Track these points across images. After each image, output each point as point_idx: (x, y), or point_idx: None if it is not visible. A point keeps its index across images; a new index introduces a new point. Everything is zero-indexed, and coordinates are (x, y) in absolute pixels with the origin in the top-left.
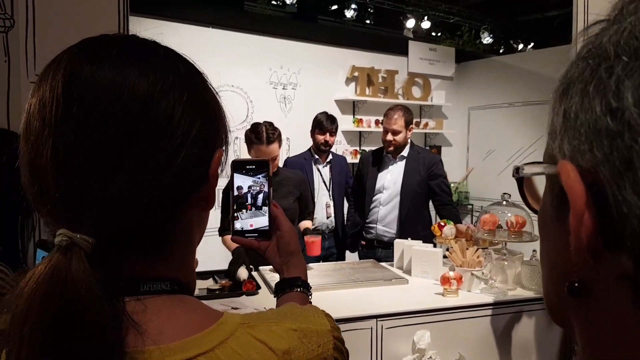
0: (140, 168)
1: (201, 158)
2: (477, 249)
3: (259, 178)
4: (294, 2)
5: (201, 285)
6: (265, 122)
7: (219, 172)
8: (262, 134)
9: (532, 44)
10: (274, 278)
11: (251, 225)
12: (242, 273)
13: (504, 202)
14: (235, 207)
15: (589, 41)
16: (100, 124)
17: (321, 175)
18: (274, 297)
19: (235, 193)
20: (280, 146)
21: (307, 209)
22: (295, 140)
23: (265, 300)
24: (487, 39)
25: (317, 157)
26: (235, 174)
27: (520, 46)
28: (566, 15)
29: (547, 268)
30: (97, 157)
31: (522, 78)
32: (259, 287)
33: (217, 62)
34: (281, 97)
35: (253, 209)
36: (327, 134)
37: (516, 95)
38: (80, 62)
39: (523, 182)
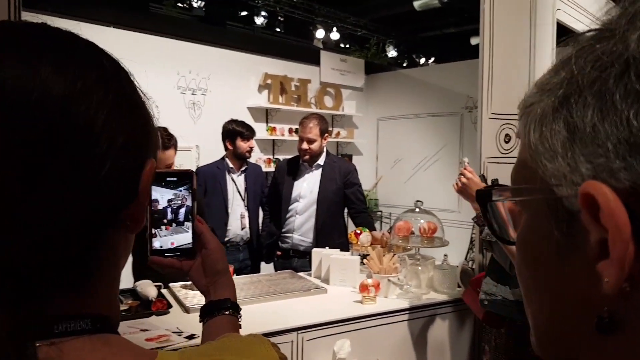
0: (55, 185)
1: (130, 170)
2: (394, 255)
3: (181, 191)
4: (202, 5)
5: None
6: (159, 127)
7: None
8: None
9: (432, 58)
10: (187, 296)
11: (172, 244)
12: (151, 291)
13: (417, 209)
14: (153, 224)
15: (591, 51)
16: (3, 131)
17: (235, 184)
18: (200, 321)
19: (153, 208)
20: (175, 153)
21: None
22: (206, 147)
23: (177, 320)
24: (392, 53)
25: (231, 166)
26: (153, 186)
27: (422, 60)
28: (463, 33)
29: (548, 300)
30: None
31: (426, 91)
32: (170, 306)
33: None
34: (190, 102)
35: (174, 225)
36: (251, 140)
37: (421, 107)
38: None
39: (488, 208)
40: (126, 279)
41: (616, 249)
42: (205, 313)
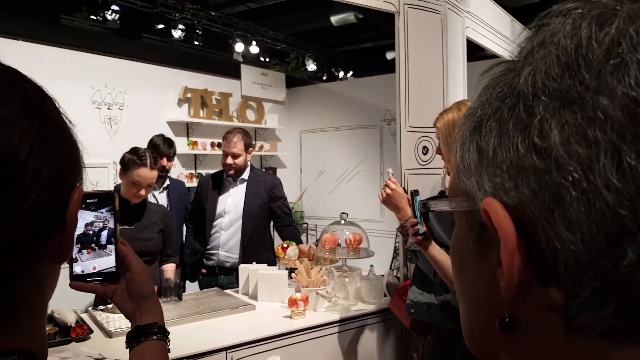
0: None
1: (56, 199)
2: (321, 268)
3: (102, 212)
4: (116, 18)
5: None
6: (146, 148)
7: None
8: (145, 157)
9: (351, 72)
10: (109, 320)
11: (94, 268)
12: (69, 317)
13: (342, 221)
14: (73, 247)
15: (498, 81)
16: None
17: (157, 201)
18: (127, 347)
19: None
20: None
21: (170, 244)
22: None
23: (99, 345)
24: (311, 66)
25: None
26: None
27: (341, 74)
28: (378, 47)
29: (468, 303)
30: None
31: (346, 104)
32: (91, 331)
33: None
34: (106, 117)
35: (96, 248)
36: (165, 159)
37: (342, 120)
38: None
39: (428, 215)
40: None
41: (504, 258)
42: (132, 339)
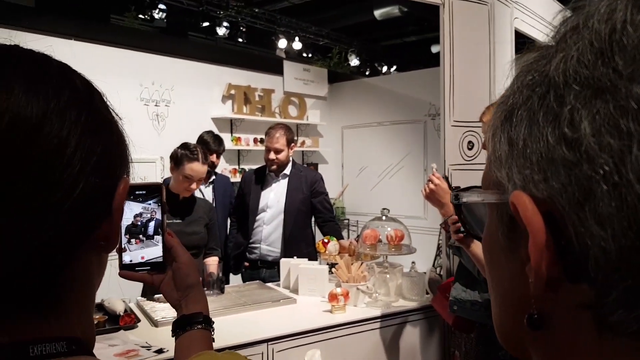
0: (27, 204)
1: (103, 189)
2: (362, 263)
3: (150, 204)
4: (163, 17)
5: None
6: (194, 144)
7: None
8: (197, 152)
9: (394, 66)
10: (155, 309)
11: (142, 258)
12: (118, 306)
13: (384, 217)
14: (122, 238)
15: (530, 68)
16: None
17: (203, 195)
18: (172, 335)
19: (123, 222)
20: (208, 165)
21: (213, 238)
22: None
23: (146, 333)
24: (354, 61)
25: None
26: None
27: (384, 68)
28: (423, 41)
29: (498, 297)
30: None
31: (389, 99)
32: (138, 320)
33: None
34: (154, 114)
35: (144, 239)
36: (214, 155)
37: (384, 115)
38: None
39: (462, 208)
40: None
41: (532, 253)
42: (178, 327)
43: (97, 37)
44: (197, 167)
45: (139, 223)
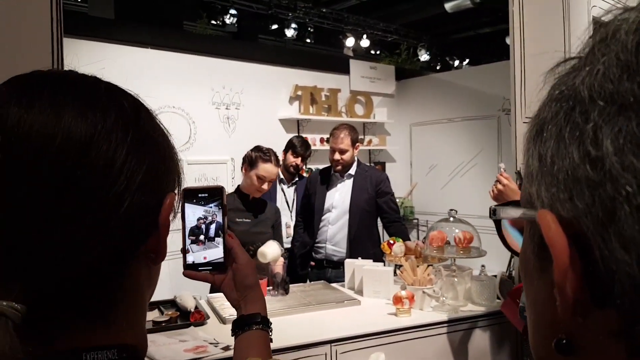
0: (77, 221)
1: (149, 205)
2: (428, 266)
3: (211, 207)
4: (234, 21)
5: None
6: (266, 147)
7: (171, 218)
8: (270, 154)
9: (467, 60)
10: (224, 307)
11: (204, 258)
12: (189, 302)
13: (451, 219)
14: (186, 240)
15: (561, 81)
16: (30, 174)
17: (285, 195)
18: (232, 335)
19: (186, 224)
20: (278, 166)
21: (279, 239)
22: (240, 161)
23: (215, 330)
24: (424, 56)
25: (282, 177)
26: (185, 204)
27: (457, 62)
28: (497, 32)
29: (532, 318)
30: (25, 210)
31: (460, 94)
32: (207, 317)
33: (157, 84)
34: (224, 117)
35: (206, 240)
36: (299, 158)
37: (455, 111)
38: (6, 104)
39: (501, 223)
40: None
41: (556, 275)
42: (237, 327)
43: (171, 45)
44: (270, 168)
45: (202, 225)
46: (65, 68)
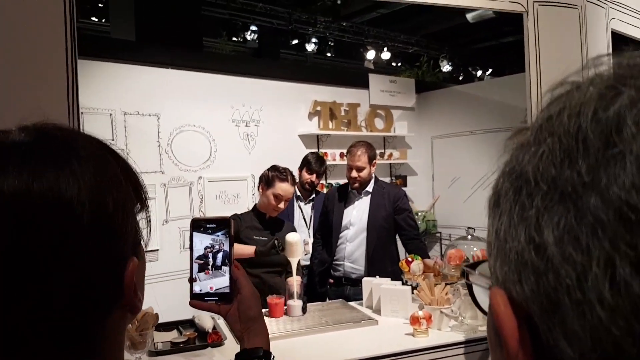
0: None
1: (105, 275)
2: (445, 285)
3: (218, 236)
4: (255, 38)
5: (165, 337)
6: (282, 166)
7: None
8: (286, 173)
9: (490, 70)
10: None
11: (211, 288)
12: (207, 323)
13: (469, 237)
14: (193, 269)
15: (513, 156)
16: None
17: (302, 212)
18: None
19: (194, 253)
20: (293, 185)
21: None
22: None
23: (231, 351)
24: (446, 67)
25: (299, 194)
26: (194, 233)
27: (479, 72)
28: (520, 41)
29: None
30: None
31: (481, 106)
32: (225, 338)
33: (178, 103)
34: (244, 134)
35: (213, 269)
36: (314, 175)
37: (477, 123)
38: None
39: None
40: None
41: (506, 355)
42: None
43: (191, 64)
44: (287, 187)
45: (209, 254)
46: (85, 89)
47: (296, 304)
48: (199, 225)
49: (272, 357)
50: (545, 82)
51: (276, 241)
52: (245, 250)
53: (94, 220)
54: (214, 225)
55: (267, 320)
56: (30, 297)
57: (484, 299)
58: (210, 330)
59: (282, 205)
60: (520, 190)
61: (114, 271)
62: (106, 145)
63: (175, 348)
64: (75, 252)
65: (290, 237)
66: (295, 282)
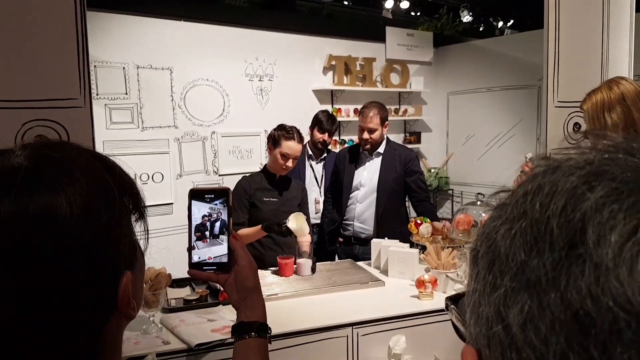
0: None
1: (99, 289)
2: (452, 250)
3: (216, 204)
4: None
5: (178, 294)
6: (290, 125)
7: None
8: (293, 132)
9: (511, 21)
10: None
11: (209, 258)
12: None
13: (479, 202)
14: (192, 237)
15: (490, 225)
16: None
17: (313, 171)
18: (231, 337)
19: (192, 222)
20: (302, 144)
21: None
22: None
23: None
24: (466, 18)
25: (311, 153)
26: (192, 202)
27: (500, 24)
28: None
29: None
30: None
31: (499, 62)
32: None
33: (191, 56)
34: (258, 89)
35: (211, 237)
36: (326, 134)
37: (495, 80)
38: None
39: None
40: None
41: None
42: (236, 333)
43: (204, 16)
44: (293, 145)
45: (207, 222)
46: (97, 42)
47: (305, 262)
48: (197, 194)
49: (268, 329)
50: (563, 41)
51: (283, 227)
52: (252, 232)
53: (86, 240)
54: (212, 195)
55: (277, 279)
56: (30, 310)
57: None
58: (222, 289)
59: (290, 163)
60: (493, 263)
61: (108, 286)
62: (103, 159)
63: (187, 305)
64: (69, 270)
65: (292, 224)
66: (305, 242)
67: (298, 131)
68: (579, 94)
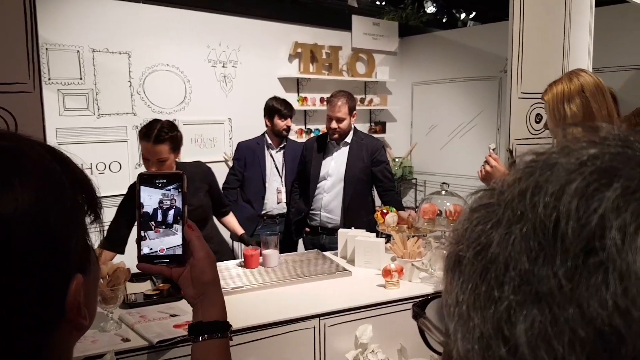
0: None
1: (45, 293)
2: (418, 239)
3: (170, 190)
4: None
5: (139, 289)
6: (167, 120)
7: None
8: (151, 131)
9: (474, 13)
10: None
11: (161, 250)
12: None
13: (443, 192)
14: (141, 226)
15: (480, 218)
16: None
17: (274, 160)
18: (188, 336)
19: (142, 210)
20: (172, 150)
21: (222, 204)
22: (238, 121)
23: None
24: (430, 9)
25: (270, 142)
26: (142, 187)
27: (463, 15)
28: None
29: None
30: None
31: (462, 53)
32: None
33: (151, 40)
34: (221, 75)
35: (163, 227)
36: (289, 119)
37: (457, 71)
38: None
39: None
40: None
41: None
42: (192, 333)
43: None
44: (148, 147)
45: (160, 211)
46: (48, 23)
47: (272, 254)
48: (147, 179)
49: (229, 327)
50: (527, 33)
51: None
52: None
53: (31, 239)
54: (164, 181)
55: (242, 271)
56: None
57: (435, 343)
58: None
59: (153, 169)
60: (487, 270)
61: (55, 289)
62: (56, 152)
63: (148, 300)
64: (11, 271)
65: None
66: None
67: (159, 129)
68: (541, 85)
